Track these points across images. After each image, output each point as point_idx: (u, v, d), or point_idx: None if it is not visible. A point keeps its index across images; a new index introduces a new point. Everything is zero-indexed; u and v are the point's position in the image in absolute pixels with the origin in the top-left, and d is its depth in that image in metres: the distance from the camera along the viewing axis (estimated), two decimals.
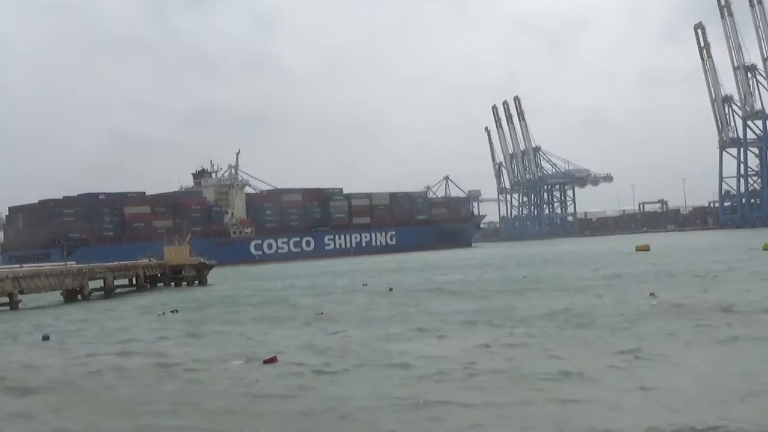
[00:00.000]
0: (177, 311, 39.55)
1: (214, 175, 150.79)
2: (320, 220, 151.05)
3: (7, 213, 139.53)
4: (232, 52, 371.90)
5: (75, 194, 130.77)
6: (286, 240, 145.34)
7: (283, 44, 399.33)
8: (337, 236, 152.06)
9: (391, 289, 45.63)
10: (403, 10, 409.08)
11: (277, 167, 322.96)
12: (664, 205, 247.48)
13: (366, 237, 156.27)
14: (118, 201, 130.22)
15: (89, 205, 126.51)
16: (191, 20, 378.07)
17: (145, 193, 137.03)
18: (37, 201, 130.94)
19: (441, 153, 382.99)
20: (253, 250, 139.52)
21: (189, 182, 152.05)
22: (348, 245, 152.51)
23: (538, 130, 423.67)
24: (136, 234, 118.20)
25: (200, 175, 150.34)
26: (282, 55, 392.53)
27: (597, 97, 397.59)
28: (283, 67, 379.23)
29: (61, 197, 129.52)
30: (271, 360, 20.76)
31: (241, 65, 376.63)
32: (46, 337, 30.40)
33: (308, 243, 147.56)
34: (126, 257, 69.92)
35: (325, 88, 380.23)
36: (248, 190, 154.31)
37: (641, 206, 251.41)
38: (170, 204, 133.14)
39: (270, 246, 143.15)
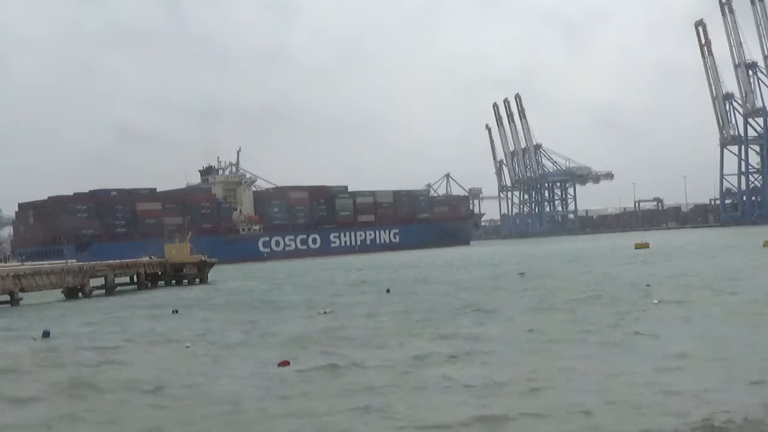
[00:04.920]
0: (177, 311, 38.93)
1: (221, 171, 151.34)
2: (326, 217, 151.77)
3: (17, 209, 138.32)
4: (246, 45, 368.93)
5: (80, 191, 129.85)
6: (293, 237, 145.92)
7: (297, 37, 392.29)
8: (342, 234, 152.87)
9: (388, 291, 45.28)
10: (424, 3, 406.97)
11: (280, 163, 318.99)
12: (660, 203, 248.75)
13: (370, 235, 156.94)
14: (129, 197, 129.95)
15: (101, 202, 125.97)
16: (206, 11, 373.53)
17: (156, 189, 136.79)
18: (47, 197, 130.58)
19: (444, 150, 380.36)
20: (261, 247, 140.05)
21: (196, 179, 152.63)
22: (353, 243, 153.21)
23: (550, 126, 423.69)
24: (148, 230, 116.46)
25: (207, 171, 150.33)
26: (294, 49, 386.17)
27: (612, 93, 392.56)
28: (294, 62, 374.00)
29: (72, 193, 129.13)
30: (285, 363, 21.50)
31: (254, 59, 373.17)
32: (46, 334, 30.44)
33: (314, 240, 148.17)
34: (139, 254, 69.14)
35: (333, 85, 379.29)
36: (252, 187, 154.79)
37: (637, 204, 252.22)
38: (180, 200, 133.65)
39: (278, 243, 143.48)
